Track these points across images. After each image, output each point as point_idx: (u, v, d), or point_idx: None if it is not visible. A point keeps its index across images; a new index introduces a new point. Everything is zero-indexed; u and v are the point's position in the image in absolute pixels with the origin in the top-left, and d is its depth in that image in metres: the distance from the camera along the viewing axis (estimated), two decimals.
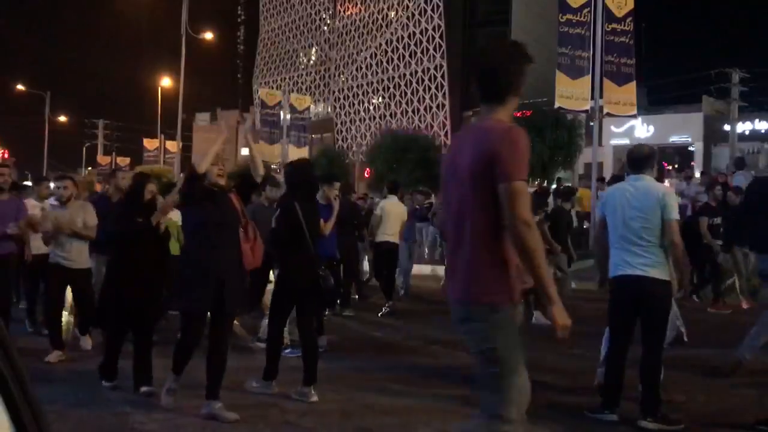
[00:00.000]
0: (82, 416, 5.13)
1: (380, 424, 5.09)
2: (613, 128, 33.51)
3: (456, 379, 6.31)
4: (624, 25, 15.74)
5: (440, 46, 50.12)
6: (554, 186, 17.90)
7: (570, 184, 18.96)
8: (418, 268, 13.85)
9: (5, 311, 6.79)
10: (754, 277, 9.76)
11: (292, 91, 47.29)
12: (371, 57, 56.60)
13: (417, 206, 14.65)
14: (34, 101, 55.61)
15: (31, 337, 7.86)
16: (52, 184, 9.51)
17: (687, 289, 5.32)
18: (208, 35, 36.39)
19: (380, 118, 54.92)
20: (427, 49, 51.18)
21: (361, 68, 57.86)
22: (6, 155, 48.71)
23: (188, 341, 5.21)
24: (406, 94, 53.05)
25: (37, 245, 7.58)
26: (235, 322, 6.90)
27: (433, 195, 17.99)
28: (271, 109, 27.45)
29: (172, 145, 41.16)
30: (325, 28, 63.00)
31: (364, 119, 57.23)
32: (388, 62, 55.00)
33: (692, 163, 30.63)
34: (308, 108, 30.41)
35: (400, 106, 53.38)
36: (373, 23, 56.92)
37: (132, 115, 72.03)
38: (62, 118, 57.64)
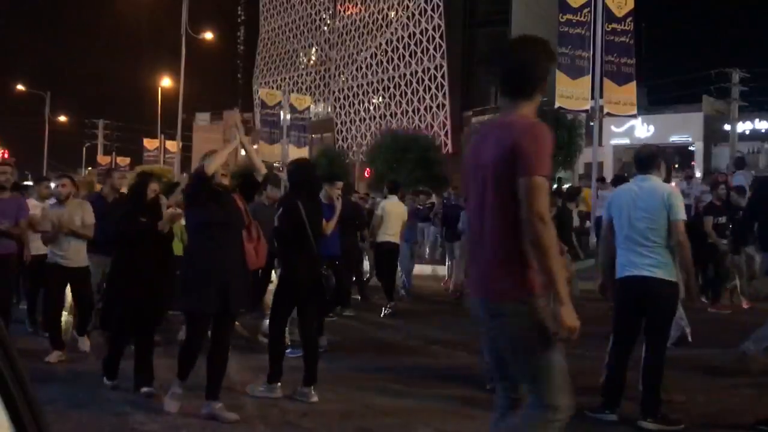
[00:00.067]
0: (82, 416, 5.13)
1: (380, 424, 5.09)
2: (613, 128, 33.53)
3: (456, 379, 6.32)
4: (624, 25, 15.75)
5: (440, 46, 50.13)
6: (555, 186, 17.90)
7: (571, 184, 18.97)
8: (419, 268, 13.84)
9: (6, 311, 6.76)
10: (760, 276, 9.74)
11: (292, 91, 47.31)
12: (371, 57, 56.61)
13: (419, 206, 14.62)
14: (34, 101, 55.66)
15: (31, 338, 7.86)
16: (52, 184, 9.49)
17: (695, 291, 5.27)
18: (208, 35, 36.44)
19: (380, 118, 54.93)
20: (427, 49, 51.19)
21: (361, 68, 57.87)
22: (6, 155, 48.67)
23: (193, 342, 5.15)
24: (406, 94, 53.05)
25: (36, 245, 7.56)
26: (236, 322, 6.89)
27: (433, 195, 17.99)
28: (271, 109, 27.43)
29: (172, 145, 41.21)
30: (325, 28, 63.01)
31: (364, 119, 57.24)
32: (388, 62, 55.01)
33: (692, 163, 30.63)
34: (308, 108, 30.39)
35: (400, 106, 53.39)
36: (373, 23, 56.93)
37: (132, 115, 72.16)
38: (62, 118, 57.72)
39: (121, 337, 5.91)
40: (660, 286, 4.87)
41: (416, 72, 51.96)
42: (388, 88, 54.86)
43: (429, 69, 50.95)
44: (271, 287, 7.38)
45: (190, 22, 30.75)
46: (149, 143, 49.08)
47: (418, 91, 51.92)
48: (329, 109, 61.20)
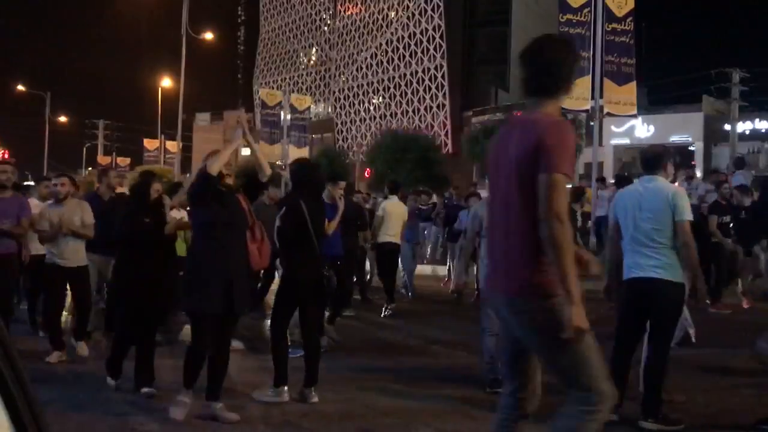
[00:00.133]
0: (83, 416, 5.12)
1: (380, 424, 5.09)
2: (613, 128, 33.54)
3: (456, 379, 6.32)
4: (624, 25, 15.74)
5: (440, 46, 50.14)
6: None
7: (573, 184, 18.94)
8: (419, 268, 13.83)
9: (6, 311, 6.74)
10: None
11: (293, 91, 47.32)
12: (371, 57, 56.63)
13: (421, 206, 14.59)
14: (35, 101, 55.73)
15: (31, 338, 7.85)
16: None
17: (702, 292, 5.23)
18: (209, 35, 36.48)
19: (380, 118, 54.95)
20: (428, 49, 51.20)
21: (361, 68, 57.88)
22: (6, 155, 48.69)
23: (199, 344, 5.07)
24: (406, 94, 53.07)
25: (36, 245, 7.54)
26: None
27: (434, 195, 17.99)
28: (272, 109, 27.45)
29: (173, 146, 41.22)
30: (326, 28, 63.03)
31: (365, 119, 57.25)
32: (388, 62, 55.02)
33: (693, 163, 30.60)
34: (308, 108, 30.41)
35: (401, 106, 53.41)
36: (373, 23, 56.94)
37: (132, 115, 72.06)
38: (62, 119, 57.77)
39: (124, 338, 5.90)
40: (665, 288, 4.83)
41: (416, 72, 51.98)
42: (388, 88, 54.87)
43: (429, 69, 50.97)
44: (273, 287, 7.38)
45: (190, 23, 30.79)
46: (149, 143, 49.09)
47: (418, 91, 51.94)
48: (329, 109, 61.22)
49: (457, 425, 5.08)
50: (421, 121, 50.82)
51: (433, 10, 50.98)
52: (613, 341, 5.34)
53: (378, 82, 55.94)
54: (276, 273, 7.74)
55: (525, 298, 2.92)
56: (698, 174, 19.91)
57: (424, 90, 51.43)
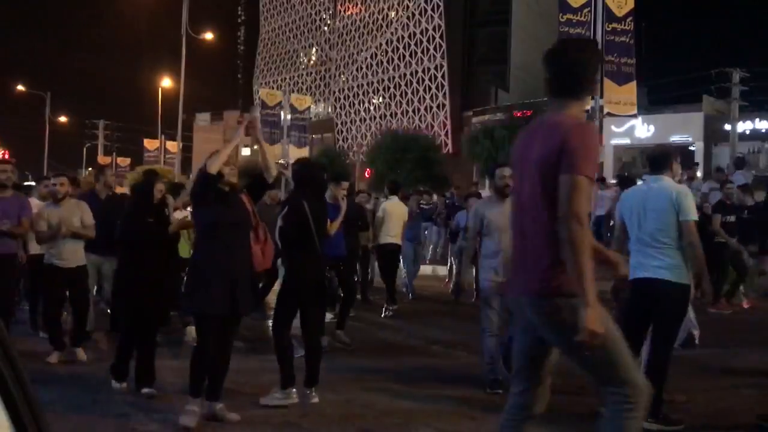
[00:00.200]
0: (83, 416, 5.13)
1: (380, 424, 5.09)
2: (613, 128, 33.50)
3: (456, 379, 6.32)
4: (624, 25, 15.73)
5: (440, 46, 50.12)
6: None
7: None
8: (420, 268, 13.82)
9: (6, 311, 6.73)
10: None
11: (293, 91, 47.30)
12: (371, 57, 56.61)
13: (423, 205, 14.56)
14: (35, 102, 55.73)
15: (31, 338, 7.85)
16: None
17: (708, 293, 5.22)
18: (209, 35, 36.48)
19: (380, 118, 54.93)
20: (428, 49, 51.18)
21: (361, 68, 57.87)
22: (6, 156, 48.70)
23: (204, 345, 5.02)
24: (406, 94, 53.05)
25: (36, 246, 7.52)
26: None
27: (434, 195, 17.99)
28: (272, 109, 27.46)
29: (173, 146, 41.23)
30: (326, 28, 63.01)
31: (365, 119, 57.24)
32: (388, 62, 55.00)
33: (696, 162, 30.57)
34: (308, 108, 30.43)
35: (401, 106, 53.38)
36: (373, 23, 56.93)
37: (132, 115, 71.87)
38: (62, 119, 57.74)
39: (128, 339, 5.88)
40: (669, 290, 4.82)
41: (416, 72, 51.95)
42: (389, 88, 54.85)
43: (429, 69, 50.94)
44: (274, 287, 7.37)
45: (190, 23, 30.79)
46: (149, 143, 49.08)
47: (418, 91, 51.92)
48: (329, 109, 61.20)
49: (457, 425, 5.08)
50: (421, 121, 50.80)
51: (433, 10, 50.95)
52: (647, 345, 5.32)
53: (378, 82, 55.93)
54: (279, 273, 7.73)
55: (548, 298, 2.92)
56: (698, 174, 19.88)
57: (424, 90, 51.41)
